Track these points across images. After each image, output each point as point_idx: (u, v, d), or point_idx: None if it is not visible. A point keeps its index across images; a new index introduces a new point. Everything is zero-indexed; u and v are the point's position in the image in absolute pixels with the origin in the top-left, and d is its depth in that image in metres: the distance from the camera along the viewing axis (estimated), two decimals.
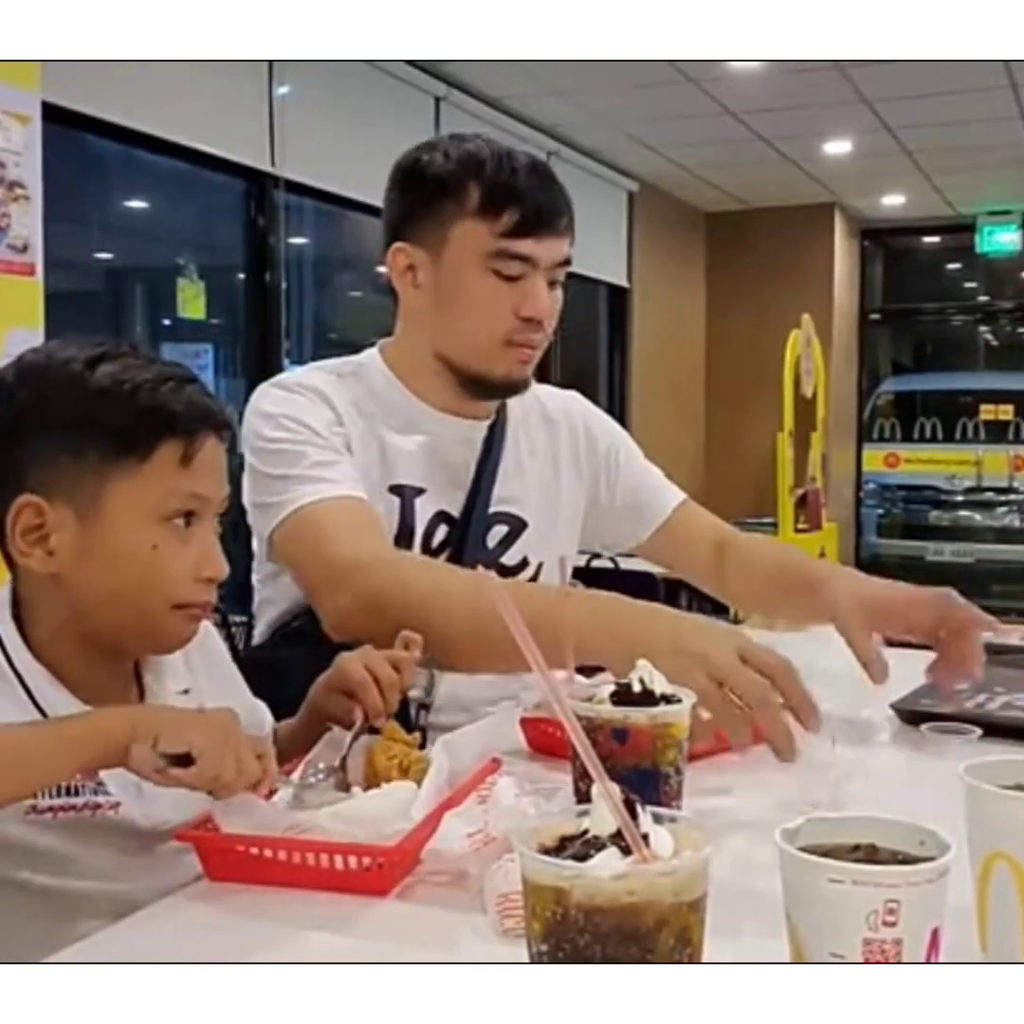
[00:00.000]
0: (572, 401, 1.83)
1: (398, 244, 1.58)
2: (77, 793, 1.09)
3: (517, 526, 1.67)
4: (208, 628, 1.28)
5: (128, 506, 1.11)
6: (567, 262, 1.58)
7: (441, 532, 1.61)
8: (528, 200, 1.52)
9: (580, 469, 1.78)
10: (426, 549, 1.60)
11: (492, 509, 1.65)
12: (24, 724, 1.06)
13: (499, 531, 1.66)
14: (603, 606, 1.29)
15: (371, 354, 1.68)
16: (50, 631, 1.14)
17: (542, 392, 1.80)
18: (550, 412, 1.78)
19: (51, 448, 1.11)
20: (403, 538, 1.58)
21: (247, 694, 1.32)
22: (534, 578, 1.68)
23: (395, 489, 1.59)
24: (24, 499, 1.10)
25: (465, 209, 1.52)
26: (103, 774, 1.10)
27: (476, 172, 1.53)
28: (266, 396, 1.58)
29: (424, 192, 1.55)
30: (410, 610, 1.33)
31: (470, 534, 1.62)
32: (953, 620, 1.55)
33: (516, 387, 1.63)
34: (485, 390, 1.62)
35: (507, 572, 1.63)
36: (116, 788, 1.11)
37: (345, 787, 1.15)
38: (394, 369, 1.64)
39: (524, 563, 1.68)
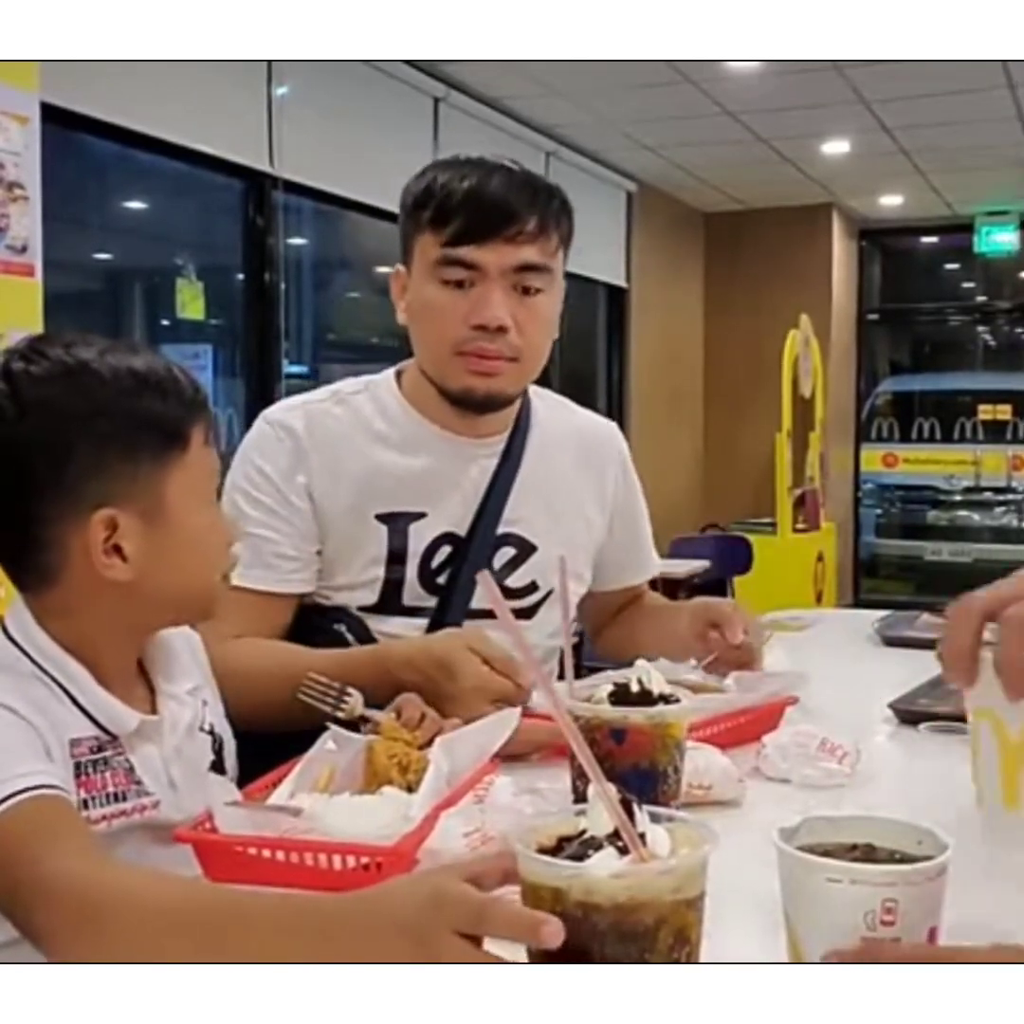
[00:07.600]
0: (613, 434, 1.83)
1: (397, 266, 1.62)
2: (125, 798, 1.09)
3: (525, 549, 1.65)
4: (188, 632, 1.28)
5: (183, 496, 1.11)
6: (535, 268, 1.53)
7: (443, 553, 1.61)
8: (475, 207, 1.51)
9: (604, 500, 1.77)
10: (424, 570, 1.59)
11: (500, 530, 1.63)
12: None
13: (506, 553, 1.64)
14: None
15: (387, 374, 1.69)
16: (84, 635, 1.10)
17: (578, 414, 1.81)
18: (584, 432, 1.77)
19: (107, 455, 1.06)
20: (395, 563, 1.58)
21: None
22: (541, 602, 1.66)
23: (383, 517, 1.59)
24: (103, 514, 1.06)
25: (422, 223, 1.54)
26: (141, 771, 1.10)
27: (437, 187, 1.54)
28: (255, 428, 1.65)
29: (403, 214, 1.59)
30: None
31: (471, 554, 1.60)
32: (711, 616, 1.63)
33: (482, 403, 1.59)
34: (461, 406, 1.60)
35: (513, 594, 1.63)
36: (157, 787, 1.11)
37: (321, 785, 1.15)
38: (405, 390, 1.66)
39: (532, 587, 1.66)
